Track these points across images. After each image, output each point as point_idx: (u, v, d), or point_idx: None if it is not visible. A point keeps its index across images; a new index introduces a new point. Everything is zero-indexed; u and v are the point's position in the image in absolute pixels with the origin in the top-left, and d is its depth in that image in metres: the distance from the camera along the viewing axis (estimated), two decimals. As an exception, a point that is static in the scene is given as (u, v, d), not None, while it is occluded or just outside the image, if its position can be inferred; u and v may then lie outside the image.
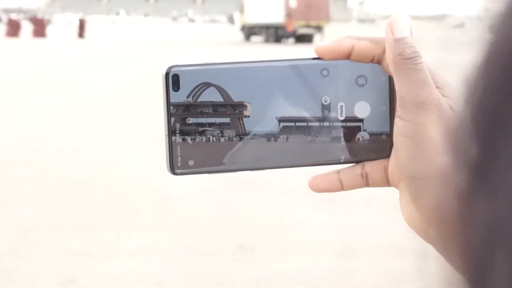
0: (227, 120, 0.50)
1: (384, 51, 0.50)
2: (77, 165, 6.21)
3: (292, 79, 0.51)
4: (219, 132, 0.50)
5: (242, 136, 0.51)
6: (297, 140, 0.52)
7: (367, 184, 0.53)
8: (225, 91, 0.50)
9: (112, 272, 3.72)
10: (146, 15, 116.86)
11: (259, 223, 4.56)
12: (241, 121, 0.51)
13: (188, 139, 0.50)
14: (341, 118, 0.52)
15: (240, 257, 3.95)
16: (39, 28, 34.98)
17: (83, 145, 7.13)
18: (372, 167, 0.52)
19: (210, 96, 0.50)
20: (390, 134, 0.52)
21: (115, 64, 18.10)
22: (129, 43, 30.48)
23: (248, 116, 0.51)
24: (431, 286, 3.68)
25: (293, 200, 5.13)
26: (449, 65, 0.44)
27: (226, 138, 0.50)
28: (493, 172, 0.25)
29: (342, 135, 0.52)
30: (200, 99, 0.50)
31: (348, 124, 0.52)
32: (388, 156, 0.52)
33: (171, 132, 0.50)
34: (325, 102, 0.52)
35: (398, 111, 0.47)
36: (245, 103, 0.50)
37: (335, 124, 0.52)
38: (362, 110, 0.52)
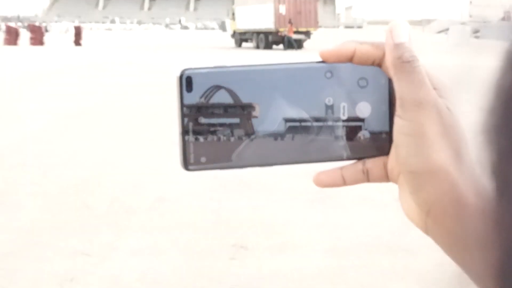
0: (237, 120, 0.53)
1: (384, 55, 0.52)
2: (75, 168, 6.24)
3: (298, 81, 0.53)
4: (230, 131, 0.53)
5: (251, 135, 0.53)
6: (302, 139, 0.54)
7: (367, 180, 0.55)
8: (235, 93, 0.52)
9: (111, 272, 3.76)
10: (140, 22, 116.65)
11: (253, 223, 4.61)
12: (250, 121, 0.53)
13: (200, 138, 0.52)
14: (344, 118, 0.54)
15: (234, 256, 4.00)
16: (37, 36, 34.90)
17: (81, 148, 7.15)
18: (373, 164, 0.54)
19: (221, 98, 0.52)
20: (389, 133, 0.54)
21: (111, 70, 18.05)
22: (125, 50, 30.44)
23: (257, 117, 0.53)
24: (421, 283, 3.72)
25: (286, 200, 5.18)
26: (435, 69, 0.50)
27: (236, 137, 0.53)
28: None
29: (344, 133, 0.54)
30: (212, 100, 0.52)
31: (350, 123, 0.55)
32: (387, 153, 0.54)
33: (184, 131, 0.52)
34: (329, 102, 0.54)
35: (398, 110, 0.50)
36: (253, 104, 0.53)
37: (338, 123, 0.54)
38: (363, 110, 0.55)
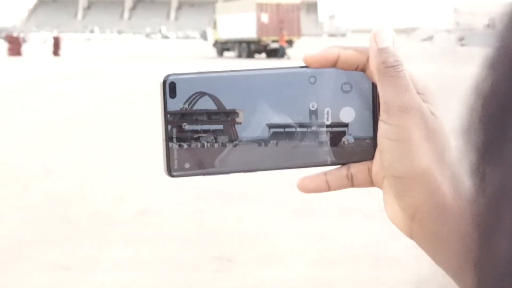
0: (220, 127, 0.53)
1: (367, 60, 0.52)
2: (56, 179, 6.19)
3: (282, 86, 0.54)
4: (213, 138, 0.53)
5: (234, 142, 0.53)
6: (286, 144, 0.54)
7: (352, 185, 0.55)
8: (218, 99, 0.53)
9: (93, 285, 3.72)
10: (120, 32, 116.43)
11: (236, 234, 4.59)
12: (234, 128, 0.53)
13: (184, 144, 0.53)
14: (328, 123, 0.55)
15: (219, 268, 3.97)
16: (15, 46, 34.65)
17: (61, 159, 7.10)
18: (357, 169, 0.54)
19: (205, 104, 0.53)
20: (373, 138, 0.55)
21: (91, 80, 17.99)
22: (104, 60, 30.34)
23: (240, 123, 0.53)
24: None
25: (270, 211, 5.17)
26: (420, 76, 0.50)
27: (220, 143, 0.53)
28: (506, 148, 0.28)
29: (328, 139, 0.55)
30: (196, 107, 0.52)
31: (334, 128, 0.55)
32: (371, 158, 0.55)
33: (168, 137, 0.52)
34: (313, 108, 0.54)
35: (383, 115, 0.50)
36: (237, 111, 0.53)
37: (322, 128, 0.55)
38: (347, 115, 0.55)
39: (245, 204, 5.35)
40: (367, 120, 0.55)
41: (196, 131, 0.53)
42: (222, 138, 0.53)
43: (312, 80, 0.54)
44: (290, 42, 33.56)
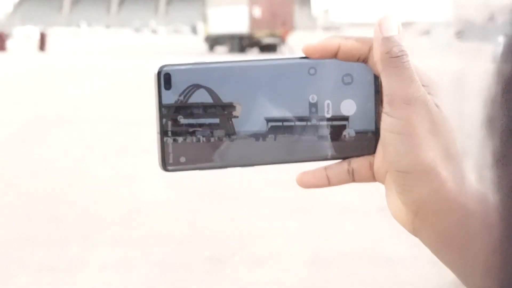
0: (217, 120, 0.52)
1: (369, 51, 0.51)
2: (43, 177, 6.11)
3: (280, 78, 0.52)
4: (210, 132, 0.52)
5: (231, 136, 0.52)
6: (285, 139, 0.53)
7: (353, 180, 0.54)
8: (215, 92, 0.51)
9: (81, 287, 3.65)
10: (108, 26, 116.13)
11: (229, 234, 4.53)
12: (231, 121, 0.52)
13: (179, 138, 0.51)
14: (328, 116, 0.53)
15: (210, 269, 3.91)
16: (-1, 41, 34.40)
17: (49, 157, 7.03)
18: (358, 163, 0.53)
19: (201, 97, 0.51)
20: (375, 131, 0.53)
21: (78, 76, 17.94)
22: (92, 55, 30.24)
23: (237, 117, 0.52)
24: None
25: (263, 210, 5.11)
26: (425, 68, 0.47)
27: (216, 137, 0.52)
28: None
29: (328, 132, 0.53)
30: (191, 99, 0.51)
31: (335, 122, 0.54)
32: (373, 152, 0.54)
33: (162, 131, 0.51)
34: (312, 100, 0.53)
35: (386, 108, 0.49)
36: (234, 104, 0.52)
37: (322, 122, 0.53)
38: (348, 108, 0.53)
39: (238, 203, 5.30)
40: (369, 113, 0.54)
41: (192, 125, 0.51)
42: (219, 132, 0.52)
43: (312, 71, 0.53)
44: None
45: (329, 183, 0.54)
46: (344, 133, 0.54)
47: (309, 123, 0.53)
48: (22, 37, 62.90)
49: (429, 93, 0.49)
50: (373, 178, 0.53)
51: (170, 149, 0.51)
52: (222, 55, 31.06)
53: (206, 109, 0.51)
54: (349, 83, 0.53)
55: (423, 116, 0.48)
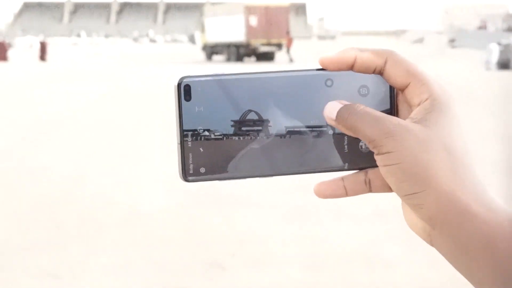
0: (237, 132, 0.53)
1: (385, 63, 0.52)
2: (44, 184, 6.12)
3: (298, 89, 0.53)
4: (230, 143, 0.52)
5: (250, 146, 0.53)
6: (303, 148, 0.54)
7: (370, 190, 0.54)
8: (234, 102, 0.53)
9: (82, 292, 3.66)
10: (107, 36, 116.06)
11: (228, 238, 4.55)
12: (251, 133, 0.53)
13: (200, 148, 0.52)
14: None
15: (210, 274, 3.92)
16: (0, 51, 34.40)
17: (49, 164, 7.04)
18: (375, 174, 0.54)
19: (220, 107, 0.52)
20: None
21: (78, 84, 17.91)
22: (92, 64, 30.21)
23: (258, 127, 0.53)
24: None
25: (261, 215, 5.13)
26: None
27: (236, 148, 0.52)
28: None
29: (346, 143, 0.54)
30: (211, 111, 0.52)
31: None
32: None
33: (183, 141, 0.52)
34: None
35: (374, 151, 0.50)
36: (254, 115, 0.53)
37: (339, 133, 0.54)
38: None
39: (237, 208, 5.31)
40: None
41: (212, 136, 0.52)
42: (239, 143, 0.52)
43: (329, 83, 0.54)
44: (279, 45, 33.42)
45: (346, 193, 0.54)
46: (361, 144, 0.54)
47: (326, 134, 0.54)
48: (23, 47, 62.90)
49: (416, 114, 0.50)
50: (389, 189, 0.53)
51: (190, 159, 0.52)
52: (220, 64, 31.05)
53: (227, 120, 0.52)
54: (365, 95, 0.54)
55: (409, 140, 0.49)
